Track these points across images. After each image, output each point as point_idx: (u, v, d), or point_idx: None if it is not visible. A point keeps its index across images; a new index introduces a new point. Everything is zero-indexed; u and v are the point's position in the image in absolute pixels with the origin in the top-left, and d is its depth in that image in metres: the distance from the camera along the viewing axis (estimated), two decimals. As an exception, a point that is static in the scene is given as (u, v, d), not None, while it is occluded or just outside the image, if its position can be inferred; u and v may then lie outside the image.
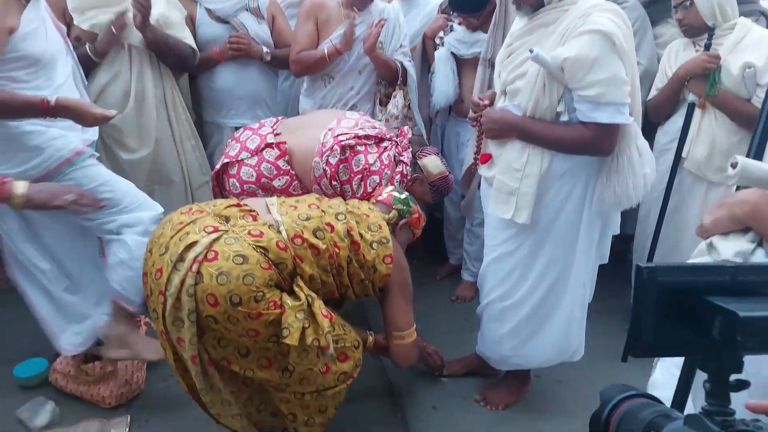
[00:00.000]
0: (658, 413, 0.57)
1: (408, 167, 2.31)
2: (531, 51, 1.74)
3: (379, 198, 2.06)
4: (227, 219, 1.70)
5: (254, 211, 1.75)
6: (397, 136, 2.35)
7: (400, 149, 2.31)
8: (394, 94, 2.69)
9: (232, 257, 1.56)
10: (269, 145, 2.20)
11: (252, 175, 2.19)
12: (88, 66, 2.36)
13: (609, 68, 1.70)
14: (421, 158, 2.39)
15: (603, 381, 2.32)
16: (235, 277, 1.54)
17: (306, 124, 2.37)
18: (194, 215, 1.71)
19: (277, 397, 1.78)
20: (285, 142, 2.21)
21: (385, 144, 2.26)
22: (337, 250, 1.74)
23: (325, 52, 2.57)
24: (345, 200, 1.98)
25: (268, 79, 2.93)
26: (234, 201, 1.82)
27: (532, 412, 2.25)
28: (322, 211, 1.80)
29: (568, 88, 1.77)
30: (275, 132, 2.26)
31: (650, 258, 2.60)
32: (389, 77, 2.68)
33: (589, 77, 1.70)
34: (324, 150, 2.17)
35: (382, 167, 2.20)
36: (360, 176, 2.18)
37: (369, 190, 2.17)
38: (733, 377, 0.55)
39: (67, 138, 1.99)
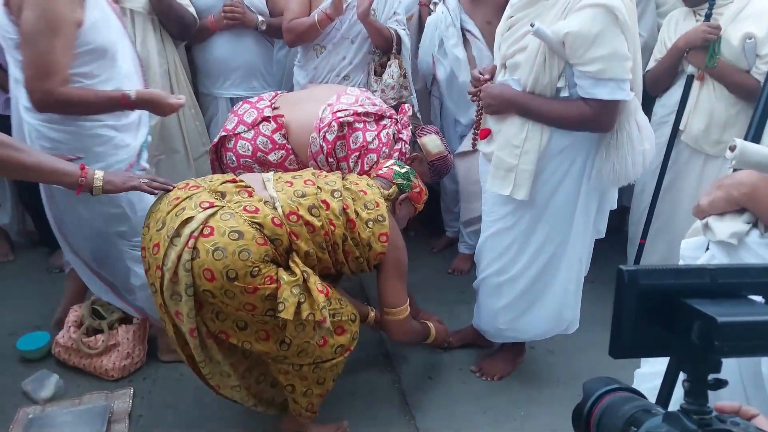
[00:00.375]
0: (639, 408, 0.58)
1: (407, 145, 2.29)
2: (532, 25, 1.70)
3: (380, 172, 2.05)
4: (223, 195, 1.70)
5: (250, 187, 1.75)
6: (397, 113, 2.32)
7: (399, 127, 2.29)
8: (389, 63, 2.64)
9: (228, 233, 1.57)
10: (266, 119, 2.18)
11: (248, 149, 2.18)
12: None
13: (611, 44, 1.67)
14: (420, 137, 2.35)
15: (596, 351, 2.36)
16: (231, 252, 1.55)
17: (305, 98, 2.34)
18: (190, 191, 1.71)
19: (276, 368, 1.81)
20: (282, 116, 2.19)
21: (384, 122, 2.23)
22: (332, 227, 1.74)
23: (315, 19, 2.51)
24: (343, 176, 1.98)
25: (264, 49, 2.89)
26: (230, 176, 1.82)
27: (526, 383, 2.30)
28: (318, 187, 1.79)
29: (568, 63, 1.74)
30: (273, 106, 2.24)
31: (645, 232, 2.60)
32: (383, 46, 2.63)
33: (590, 53, 1.67)
34: (322, 126, 2.15)
35: (380, 145, 2.18)
36: (357, 154, 2.17)
37: (366, 168, 2.15)
38: (711, 376, 0.56)
39: (129, 148, 2.03)
